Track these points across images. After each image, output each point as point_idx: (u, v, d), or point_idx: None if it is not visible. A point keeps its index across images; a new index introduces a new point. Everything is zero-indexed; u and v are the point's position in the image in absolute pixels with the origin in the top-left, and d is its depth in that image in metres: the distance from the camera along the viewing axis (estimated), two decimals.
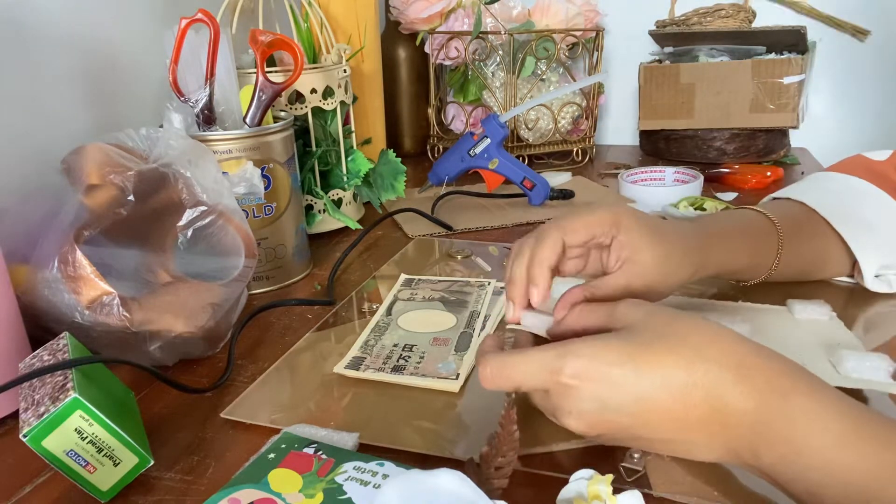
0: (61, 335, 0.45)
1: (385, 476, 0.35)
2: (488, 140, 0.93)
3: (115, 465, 0.39)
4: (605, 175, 1.13)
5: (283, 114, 0.74)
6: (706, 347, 0.35)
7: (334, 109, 0.82)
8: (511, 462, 0.37)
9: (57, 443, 0.37)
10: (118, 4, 0.78)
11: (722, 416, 0.34)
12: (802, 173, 1.10)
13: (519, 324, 0.44)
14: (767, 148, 1.14)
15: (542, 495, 0.38)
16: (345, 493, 0.34)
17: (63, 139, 0.70)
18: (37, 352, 0.44)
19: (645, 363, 0.34)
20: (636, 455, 0.39)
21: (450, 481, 0.29)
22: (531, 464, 0.40)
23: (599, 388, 0.35)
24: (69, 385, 0.38)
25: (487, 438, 0.38)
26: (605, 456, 0.41)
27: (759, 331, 0.54)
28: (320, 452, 0.38)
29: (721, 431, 0.34)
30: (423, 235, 0.84)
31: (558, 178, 1.07)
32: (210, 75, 0.64)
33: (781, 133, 1.15)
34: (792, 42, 1.12)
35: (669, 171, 0.99)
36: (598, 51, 1.18)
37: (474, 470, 0.37)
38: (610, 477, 0.34)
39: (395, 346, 0.55)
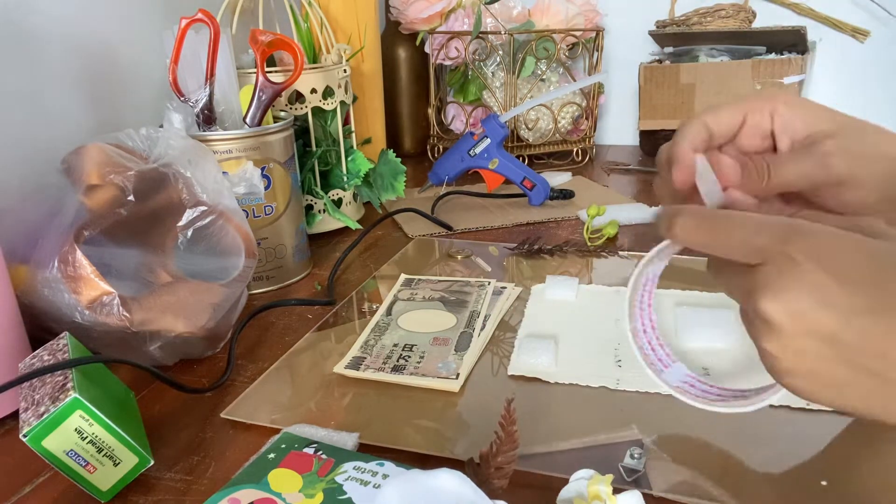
0: (61, 335, 0.45)
1: (385, 476, 0.35)
2: (488, 140, 0.93)
3: (115, 465, 0.39)
4: (609, 170, 1.13)
5: (283, 114, 0.74)
6: None
7: (334, 109, 0.82)
8: (511, 462, 0.37)
9: (57, 443, 0.37)
10: (118, 5, 0.78)
11: None
12: None
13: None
14: None
15: (542, 495, 0.38)
16: (345, 493, 0.34)
17: (63, 139, 0.69)
18: (37, 352, 0.44)
19: None
20: (636, 455, 0.39)
21: (450, 481, 0.29)
22: (531, 464, 0.40)
23: (828, 281, 0.27)
24: (69, 385, 0.38)
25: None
26: (605, 456, 0.41)
27: None
28: (320, 452, 0.38)
29: None
30: (423, 235, 0.84)
31: (558, 178, 1.07)
32: (210, 75, 0.64)
33: None
34: (792, 42, 1.12)
35: None
36: (598, 51, 1.18)
37: (474, 470, 0.37)
38: (610, 477, 0.34)
39: (395, 345, 0.55)
